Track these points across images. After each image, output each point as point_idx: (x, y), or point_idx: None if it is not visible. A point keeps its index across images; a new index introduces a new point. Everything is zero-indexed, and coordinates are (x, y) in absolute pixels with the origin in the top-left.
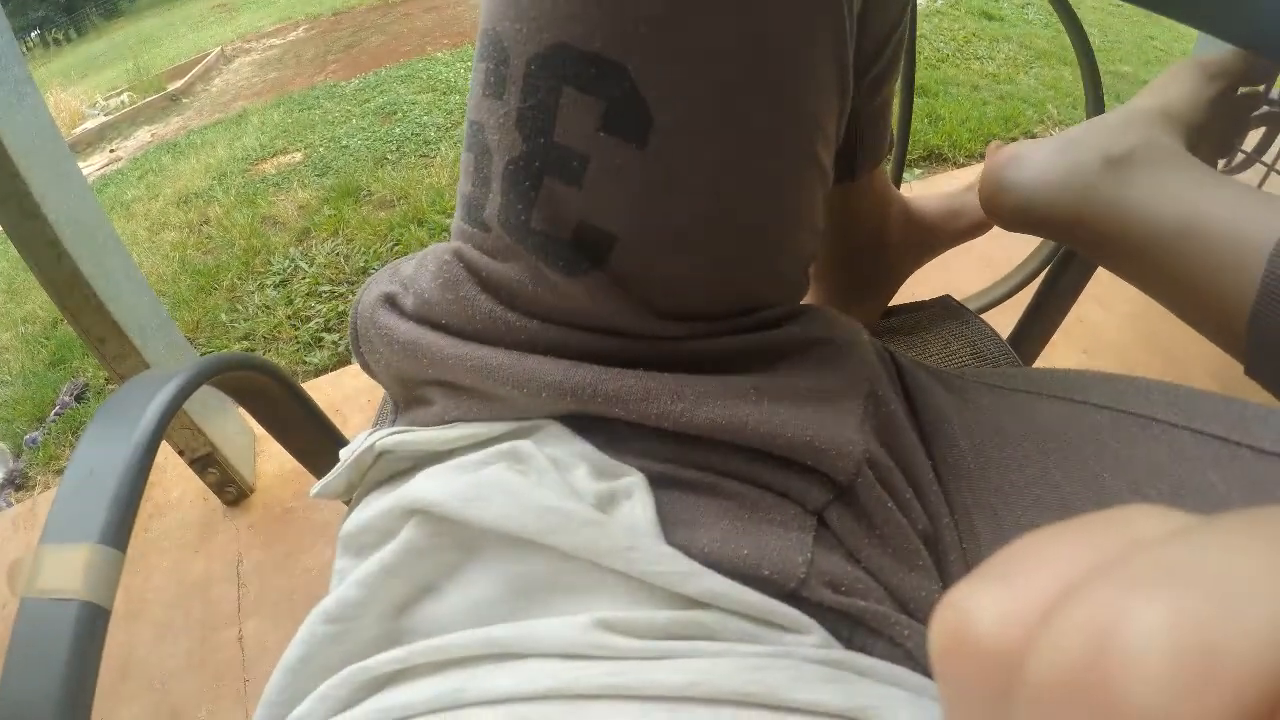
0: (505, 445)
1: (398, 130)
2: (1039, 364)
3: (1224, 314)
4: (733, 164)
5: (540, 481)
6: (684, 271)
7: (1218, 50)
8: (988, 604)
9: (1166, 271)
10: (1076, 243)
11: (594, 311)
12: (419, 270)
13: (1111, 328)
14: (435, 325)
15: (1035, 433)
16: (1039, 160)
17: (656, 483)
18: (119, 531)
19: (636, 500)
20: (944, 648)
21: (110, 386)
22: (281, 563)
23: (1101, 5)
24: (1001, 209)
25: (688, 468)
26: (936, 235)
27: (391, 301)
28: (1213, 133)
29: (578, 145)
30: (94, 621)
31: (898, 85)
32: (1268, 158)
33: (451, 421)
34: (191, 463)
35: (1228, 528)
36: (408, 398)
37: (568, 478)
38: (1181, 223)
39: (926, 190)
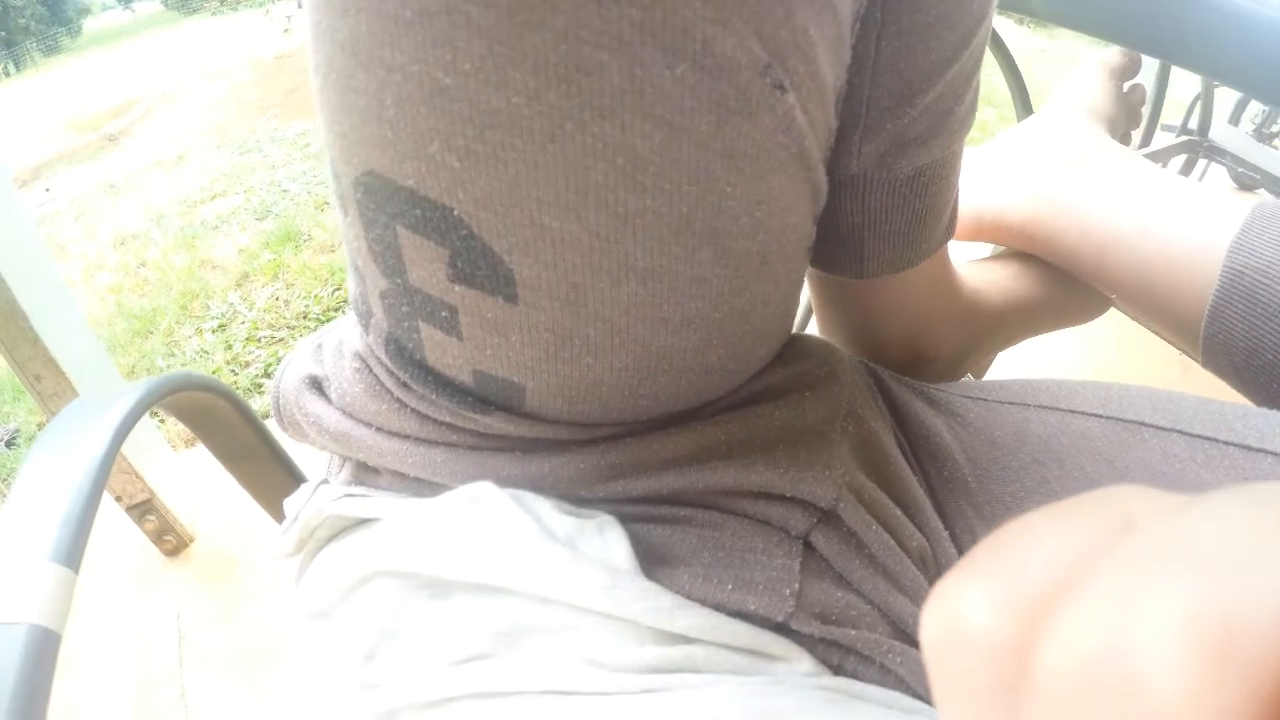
0: (465, 487)
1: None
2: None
3: (1181, 309)
4: (645, 306)
5: (508, 522)
6: (623, 404)
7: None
8: (979, 595)
9: (1126, 270)
10: (1032, 245)
11: (526, 435)
12: (338, 363)
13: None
14: (365, 423)
15: (1029, 443)
16: (987, 167)
17: (627, 520)
18: (71, 550)
19: (610, 536)
20: (937, 642)
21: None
22: (224, 614)
23: (1027, 51)
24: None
25: (661, 504)
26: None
27: (317, 386)
28: (1120, 124)
29: (437, 294)
30: (44, 646)
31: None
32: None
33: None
34: (129, 509)
35: (1217, 502)
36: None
37: (534, 512)
38: (1140, 223)
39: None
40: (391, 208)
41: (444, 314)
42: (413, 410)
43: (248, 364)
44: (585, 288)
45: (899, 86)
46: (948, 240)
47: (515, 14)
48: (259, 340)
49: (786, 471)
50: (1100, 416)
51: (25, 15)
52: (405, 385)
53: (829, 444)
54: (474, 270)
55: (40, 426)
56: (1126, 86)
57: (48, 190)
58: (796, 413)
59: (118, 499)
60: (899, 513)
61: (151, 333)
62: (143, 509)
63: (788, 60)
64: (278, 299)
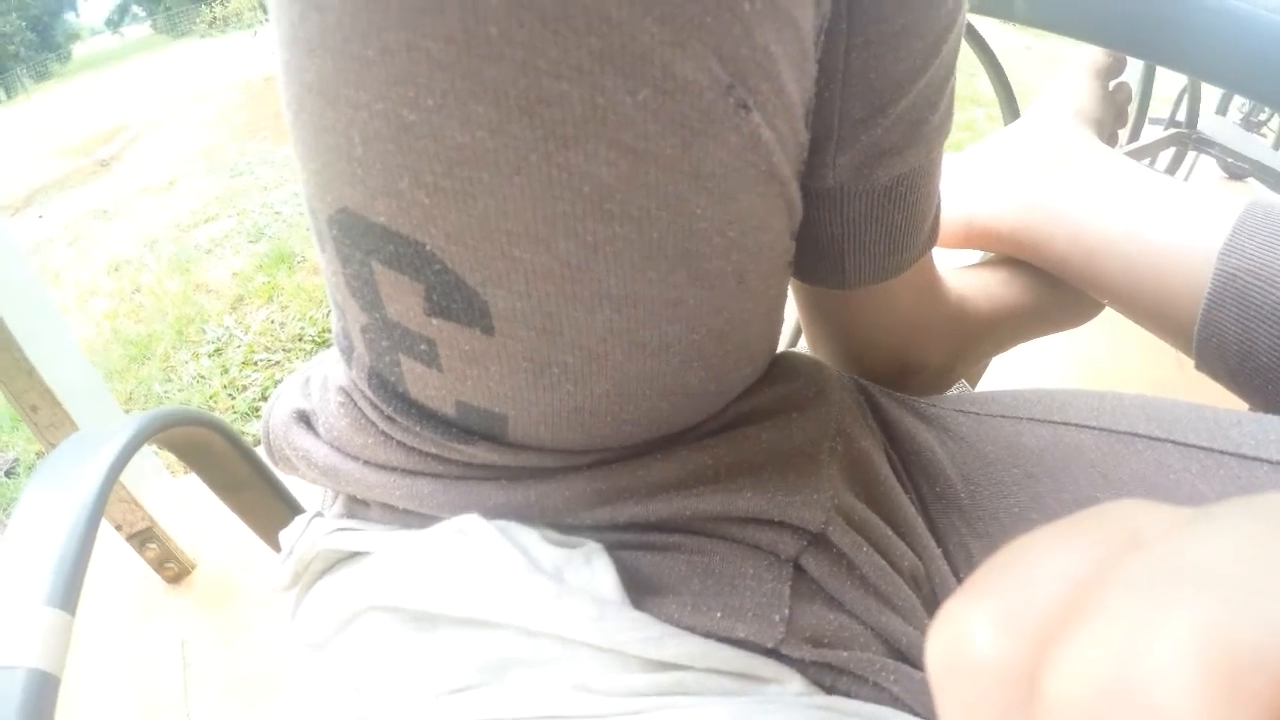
0: (452, 521)
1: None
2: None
3: (1174, 313)
4: (621, 332)
5: (494, 555)
6: (606, 430)
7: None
8: (985, 618)
9: (1116, 274)
10: (1022, 251)
11: (511, 464)
12: (324, 398)
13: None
14: (352, 457)
15: (1022, 458)
16: (975, 174)
17: (615, 549)
18: (67, 593)
19: (597, 566)
20: (942, 666)
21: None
22: (227, 640)
23: (1012, 49)
24: (944, 227)
25: (649, 531)
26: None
27: (305, 420)
28: (1107, 125)
29: (415, 328)
30: (43, 690)
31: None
32: (1178, 176)
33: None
34: (129, 538)
35: (1221, 518)
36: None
37: (521, 544)
38: (1130, 226)
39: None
40: (366, 244)
41: (423, 347)
42: (398, 443)
43: (245, 388)
44: (560, 316)
45: (870, 97)
46: (930, 248)
47: (473, 48)
48: (255, 364)
49: (774, 496)
50: (1093, 428)
51: (15, 42)
52: (390, 418)
53: (817, 466)
54: (450, 304)
55: (39, 455)
56: (1112, 85)
57: (40, 217)
58: (784, 434)
59: (118, 528)
60: (890, 532)
61: (147, 358)
62: (143, 537)
63: (750, 79)
64: (273, 322)
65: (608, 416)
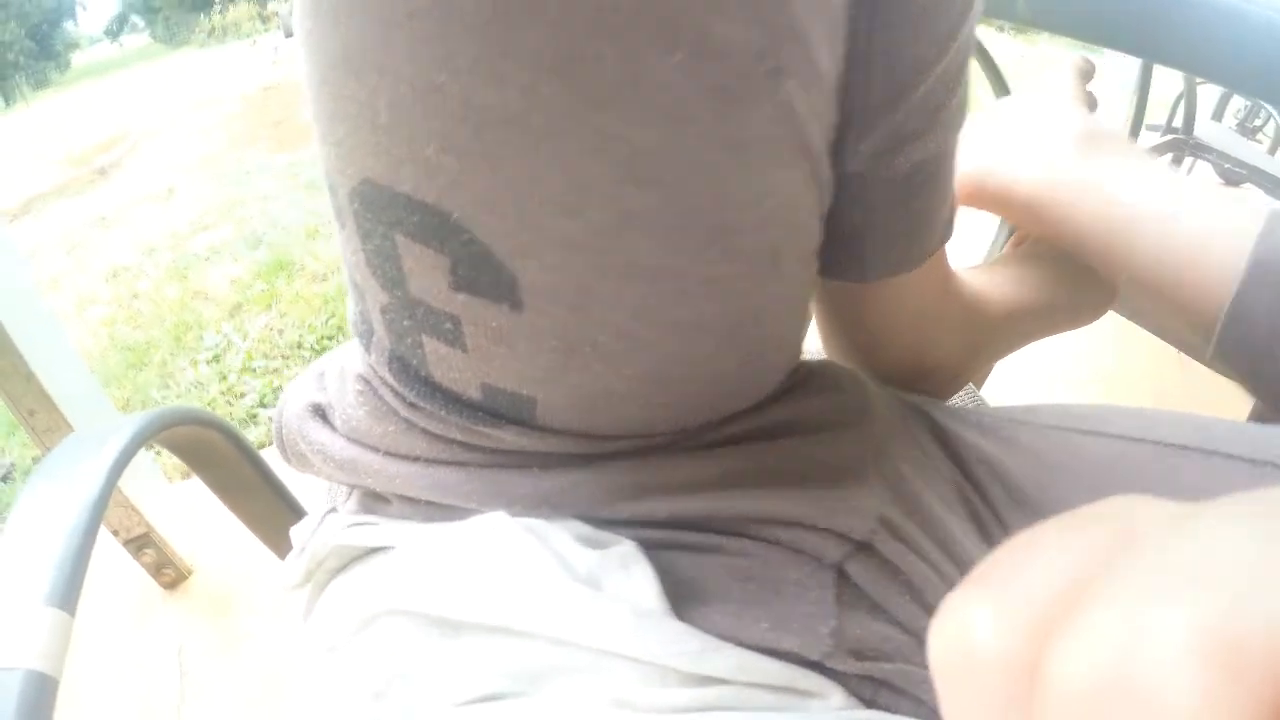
0: (479, 520)
1: (329, 204)
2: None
3: (1200, 293)
4: (654, 309)
5: (525, 559)
6: (637, 414)
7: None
8: (986, 612)
9: (1144, 251)
10: (1036, 219)
11: (540, 450)
12: (341, 388)
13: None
14: (372, 448)
15: (1086, 467)
16: (993, 134)
17: (653, 548)
18: (67, 593)
19: (636, 572)
20: (944, 660)
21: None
22: (225, 647)
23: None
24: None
25: (687, 530)
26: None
27: (320, 414)
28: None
29: (439, 305)
30: (42, 692)
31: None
32: None
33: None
34: (126, 543)
35: (1219, 513)
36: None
37: (553, 547)
38: (1162, 206)
39: None
40: (389, 216)
41: (447, 326)
42: (421, 430)
43: (243, 394)
44: (591, 291)
45: (891, 82)
46: (947, 239)
47: (508, 7)
48: (253, 370)
49: (819, 501)
50: (1144, 441)
51: (14, 50)
52: (412, 405)
53: (862, 482)
54: (476, 277)
55: (36, 460)
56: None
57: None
58: (829, 449)
59: (115, 533)
60: (936, 551)
61: (145, 365)
62: (140, 542)
63: (784, 47)
64: (271, 329)
65: (639, 400)
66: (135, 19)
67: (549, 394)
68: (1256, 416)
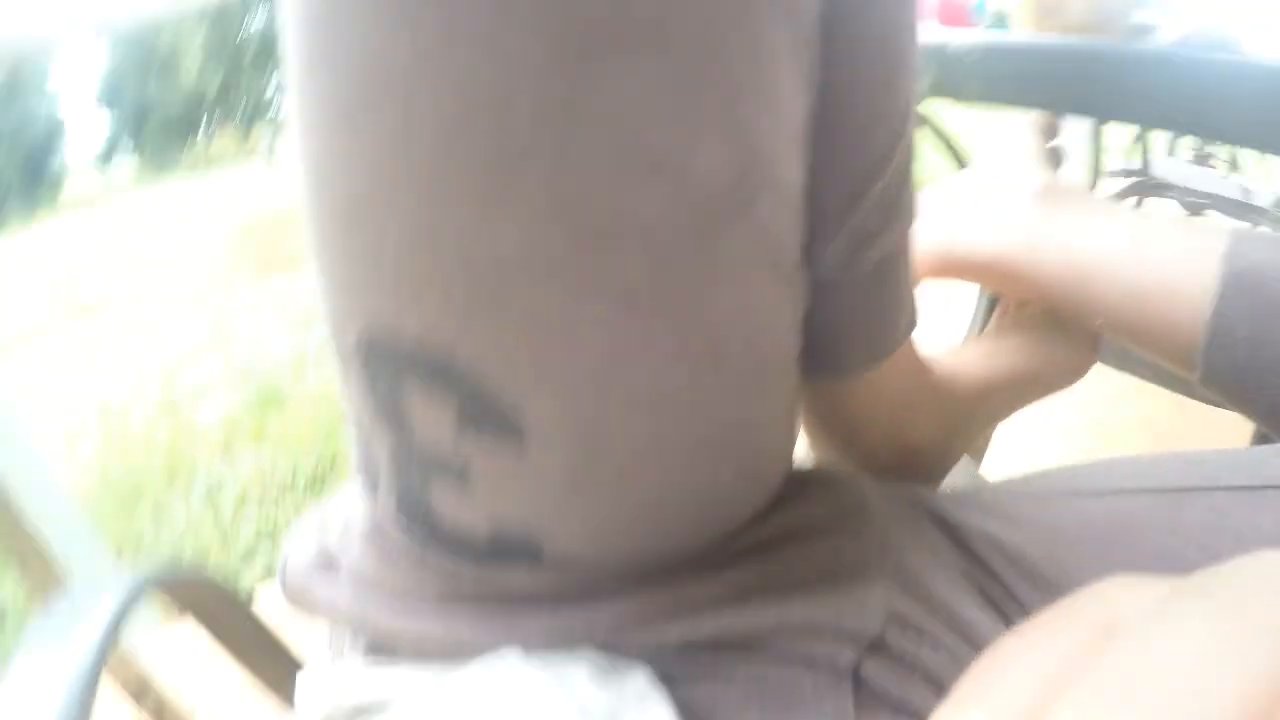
0: (492, 661)
1: (317, 334)
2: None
3: (1178, 322)
4: (653, 437)
5: (540, 705)
6: (644, 541)
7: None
8: None
9: (1117, 290)
10: (1005, 279)
11: (549, 585)
12: (345, 536)
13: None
14: (381, 596)
15: (1091, 529)
16: (950, 204)
17: (667, 677)
18: None
19: (653, 708)
20: None
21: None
22: None
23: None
24: (917, 257)
25: (701, 653)
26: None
27: (327, 562)
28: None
29: (447, 446)
30: None
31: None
32: None
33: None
34: (123, 690)
35: (1188, 611)
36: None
37: (566, 683)
38: (1129, 245)
39: None
40: (395, 362)
41: (455, 466)
42: (431, 578)
43: (239, 532)
44: (595, 423)
45: (848, 185)
46: (915, 325)
47: (503, 159)
48: (249, 507)
49: (826, 605)
50: (1146, 490)
51: (4, 179)
52: (420, 550)
53: (868, 579)
54: (482, 418)
55: (25, 602)
56: (1047, 147)
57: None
58: (831, 552)
59: (112, 682)
60: (951, 637)
61: (138, 504)
62: (138, 688)
63: (759, 170)
64: (264, 464)
65: (644, 526)
66: (123, 149)
67: (557, 528)
68: (1258, 440)
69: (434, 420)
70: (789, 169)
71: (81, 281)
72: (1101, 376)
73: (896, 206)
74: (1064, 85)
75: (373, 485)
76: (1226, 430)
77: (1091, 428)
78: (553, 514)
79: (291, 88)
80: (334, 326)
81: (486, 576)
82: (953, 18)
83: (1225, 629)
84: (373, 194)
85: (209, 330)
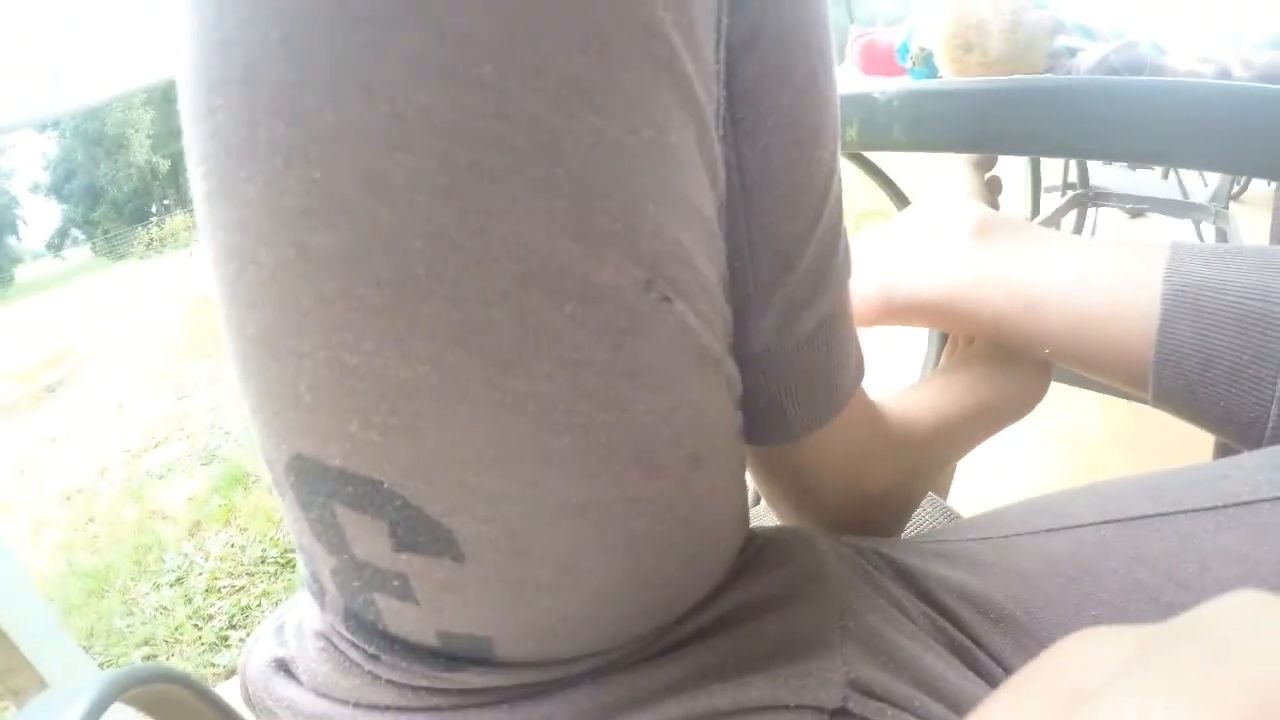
0: None
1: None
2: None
3: (1126, 346)
4: (588, 539)
5: None
6: (593, 634)
7: None
8: None
9: (1064, 320)
10: (949, 319)
11: (505, 685)
12: (301, 643)
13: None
14: (340, 701)
15: (1058, 566)
16: (888, 249)
17: None
18: None
19: None
20: None
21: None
22: None
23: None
24: (859, 305)
25: None
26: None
27: (285, 669)
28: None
29: (385, 565)
30: None
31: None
32: (1085, 229)
33: None
34: None
35: (1152, 677)
36: None
37: None
38: (1072, 274)
39: None
40: (325, 487)
41: (395, 583)
42: (387, 681)
43: (210, 617)
44: (526, 534)
45: (776, 258)
46: (861, 379)
47: (404, 289)
48: (219, 591)
49: (786, 681)
50: (1108, 523)
51: None
52: (373, 657)
53: (829, 648)
54: (415, 537)
55: None
56: (986, 177)
57: None
58: (789, 624)
59: None
60: (919, 695)
61: (106, 591)
62: None
63: (667, 271)
64: (233, 545)
65: (593, 621)
66: (76, 233)
67: (504, 631)
68: (1221, 449)
69: (369, 542)
70: (705, 263)
71: (40, 366)
72: (1060, 391)
73: (828, 272)
74: (989, 126)
75: (320, 600)
76: (1192, 432)
77: (1055, 440)
78: (498, 618)
79: (199, 218)
80: (264, 452)
81: (440, 677)
82: (876, 63)
83: (1187, 693)
84: (282, 325)
85: (170, 410)
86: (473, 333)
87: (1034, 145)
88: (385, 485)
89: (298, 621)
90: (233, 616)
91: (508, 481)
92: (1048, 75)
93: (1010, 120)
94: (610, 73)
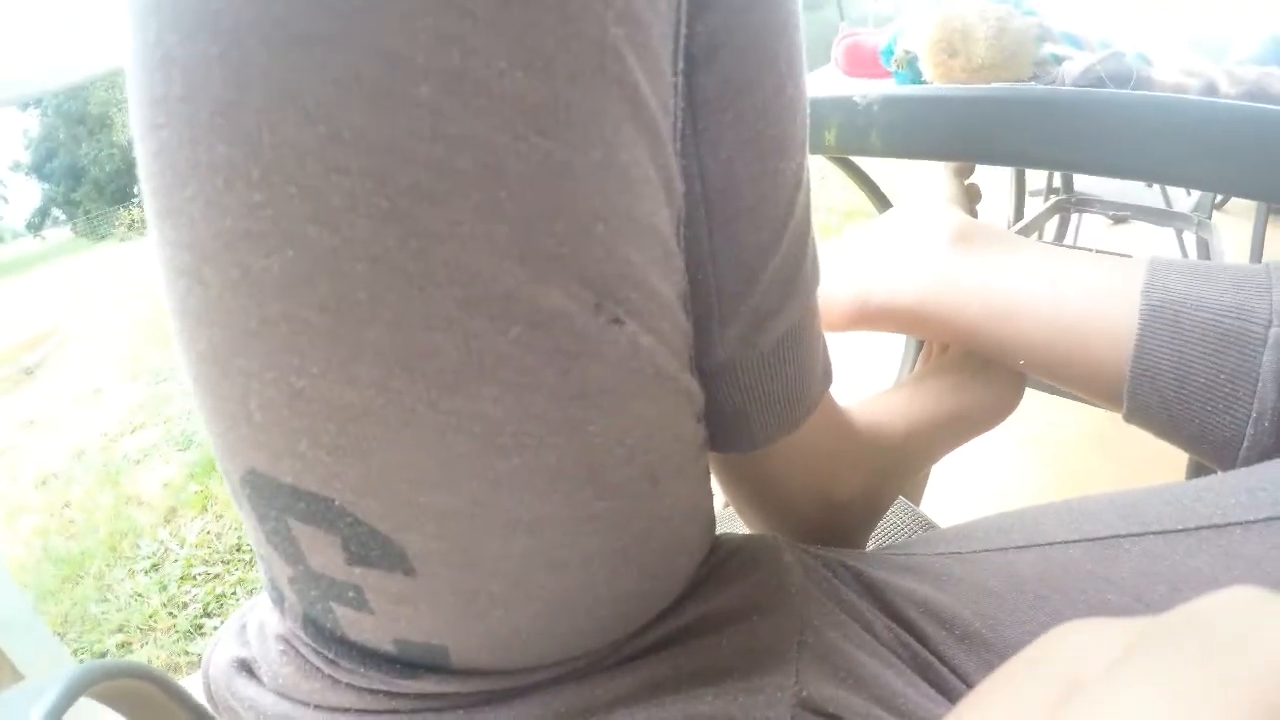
0: None
1: None
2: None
3: (1102, 359)
4: (539, 555)
5: None
6: (548, 645)
7: None
8: None
9: (1039, 330)
10: (925, 326)
11: (462, 691)
12: (263, 645)
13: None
14: (302, 703)
15: (1025, 584)
16: (864, 254)
17: None
18: None
19: None
20: None
21: None
22: None
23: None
24: (834, 309)
25: None
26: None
27: (247, 669)
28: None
29: (340, 576)
30: None
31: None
32: (1066, 241)
33: None
34: None
35: (1149, 671)
36: None
37: None
38: (1048, 284)
39: None
40: (279, 502)
41: (351, 594)
42: (346, 685)
43: (185, 604)
44: (476, 550)
45: (741, 270)
46: (827, 387)
47: (347, 313)
48: (194, 578)
49: (736, 698)
50: (1077, 541)
51: None
52: (332, 661)
53: (785, 663)
54: (368, 552)
55: None
56: (965, 183)
57: None
58: (747, 639)
59: None
60: (876, 710)
61: (82, 577)
62: None
63: (618, 292)
64: (209, 533)
65: (549, 633)
66: (57, 213)
67: (459, 641)
68: (1193, 466)
69: (323, 555)
70: (660, 280)
71: (18, 348)
72: (1037, 398)
73: (794, 281)
74: (969, 136)
75: (280, 605)
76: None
77: (1033, 446)
78: (452, 629)
79: (150, 231)
80: (221, 466)
81: (398, 684)
82: (860, 64)
83: (1185, 687)
84: (231, 345)
85: (147, 396)
86: (416, 357)
87: (1015, 157)
88: (336, 503)
89: (259, 623)
90: (208, 604)
91: (456, 500)
92: (1030, 86)
93: (990, 131)
94: (556, 92)
